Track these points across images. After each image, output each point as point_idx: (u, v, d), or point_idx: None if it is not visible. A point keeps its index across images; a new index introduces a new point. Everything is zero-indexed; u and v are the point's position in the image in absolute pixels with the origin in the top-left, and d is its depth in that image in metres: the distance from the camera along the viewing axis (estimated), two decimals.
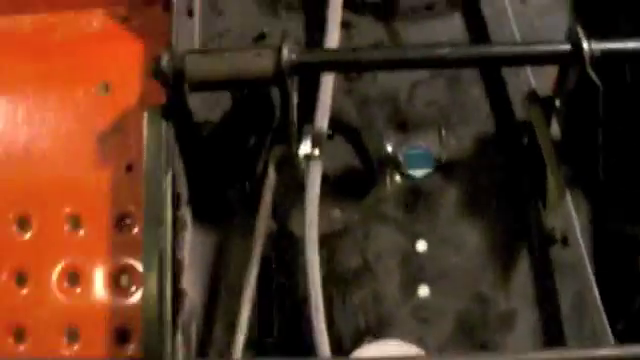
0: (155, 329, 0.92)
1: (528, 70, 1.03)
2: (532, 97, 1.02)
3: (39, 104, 1.04)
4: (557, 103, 1.00)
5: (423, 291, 1.04)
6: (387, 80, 1.05)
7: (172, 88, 0.92)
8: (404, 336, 1.00)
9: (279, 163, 1.01)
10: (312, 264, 0.95)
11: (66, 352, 0.99)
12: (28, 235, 1.01)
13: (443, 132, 1.05)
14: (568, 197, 0.98)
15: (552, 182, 1.00)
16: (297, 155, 0.97)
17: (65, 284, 1.00)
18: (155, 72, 0.92)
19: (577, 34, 0.92)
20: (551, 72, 1.00)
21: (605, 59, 0.93)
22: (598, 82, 0.92)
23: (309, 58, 0.93)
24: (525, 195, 1.05)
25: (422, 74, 1.05)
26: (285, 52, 0.90)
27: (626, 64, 1.00)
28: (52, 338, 0.99)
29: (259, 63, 0.91)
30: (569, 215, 0.98)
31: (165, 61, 0.91)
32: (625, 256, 1.04)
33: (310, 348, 0.97)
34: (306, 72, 0.94)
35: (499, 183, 1.05)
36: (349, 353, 0.99)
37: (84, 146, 1.02)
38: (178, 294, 0.97)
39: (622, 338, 0.96)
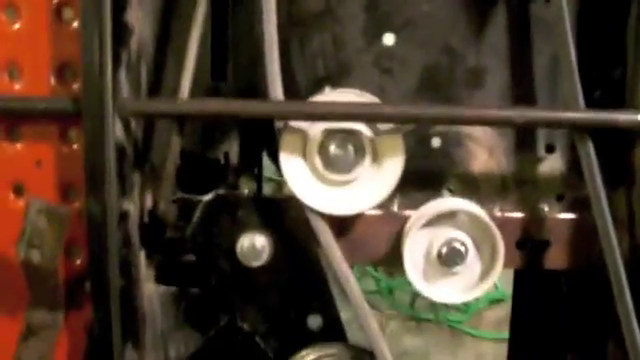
0: (95, 64, 0.86)
1: None
2: None
3: None
4: None
5: (388, 39, 0.96)
6: None
7: None
8: (365, 86, 0.93)
9: None
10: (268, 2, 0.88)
11: None
12: None
13: None
14: None
15: None
16: None
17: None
18: None
19: None
20: None
21: None
22: None
23: None
24: None
25: None
26: None
27: None
28: None
29: None
30: None
31: None
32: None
33: (264, 94, 0.92)
34: None
35: None
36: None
37: None
38: (122, 29, 0.91)
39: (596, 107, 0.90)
